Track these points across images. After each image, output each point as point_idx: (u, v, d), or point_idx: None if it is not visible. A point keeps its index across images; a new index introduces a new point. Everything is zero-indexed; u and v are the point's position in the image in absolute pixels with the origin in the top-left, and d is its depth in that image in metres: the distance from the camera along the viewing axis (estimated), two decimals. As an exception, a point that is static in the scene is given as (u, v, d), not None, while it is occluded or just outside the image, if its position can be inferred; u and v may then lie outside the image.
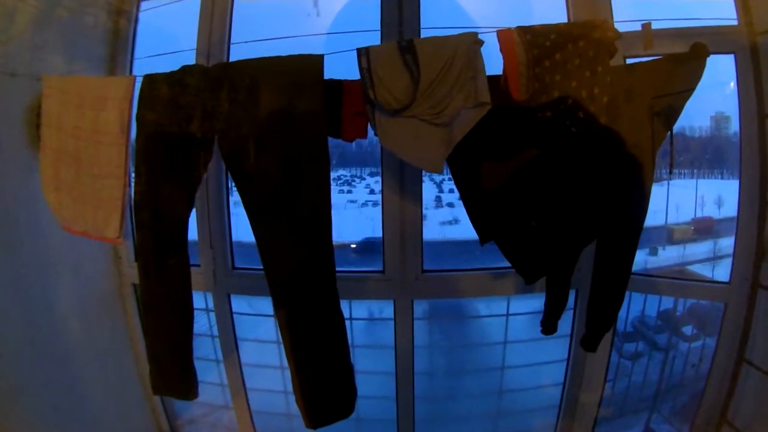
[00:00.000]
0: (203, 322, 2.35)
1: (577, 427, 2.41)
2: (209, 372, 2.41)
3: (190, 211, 1.54)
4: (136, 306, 2.29)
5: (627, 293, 1.72)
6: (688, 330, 2.77)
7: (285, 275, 1.51)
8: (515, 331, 2.25)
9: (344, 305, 1.52)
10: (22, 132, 1.69)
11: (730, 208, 2.08)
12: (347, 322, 1.57)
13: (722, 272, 2.07)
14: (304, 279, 1.50)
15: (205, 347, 2.39)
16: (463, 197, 1.64)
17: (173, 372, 1.63)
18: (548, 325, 1.90)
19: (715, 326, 2.08)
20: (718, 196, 3.29)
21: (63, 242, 1.85)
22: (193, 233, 1.86)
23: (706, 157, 3.26)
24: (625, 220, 1.59)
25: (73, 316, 1.97)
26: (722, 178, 3.32)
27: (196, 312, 1.61)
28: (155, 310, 1.59)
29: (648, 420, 2.58)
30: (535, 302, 2.06)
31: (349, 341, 1.56)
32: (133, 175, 1.56)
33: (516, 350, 2.29)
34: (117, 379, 2.27)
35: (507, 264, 1.68)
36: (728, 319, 1.96)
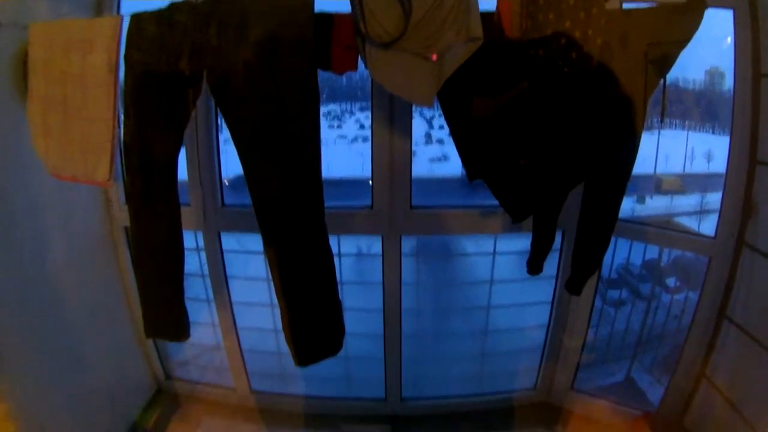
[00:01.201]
0: (194, 262, 2.37)
1: (560, 370, 2.48)
2: (200, 312, 2.44)
3: (180, 150, 1.54)
4: (127, 250, 2.29)
5: (613, 239, 1.74)
6: (671, 282, 2.83)
7: (274, 210, 1.51)
8: (501, 271, 2.28)
9: (333, 241, 1.53)
10: (9, 82, 1.65)
11: (719, 164, 2.09)
12: (336, 259, 1.58)
13: (708, 226, 2.09)
14: (292, 214, 1.51)
15: (196, 287, 2.41)
16: (452, 130, 1.64)
17: (165, 314, 1.65)
18: (534, 265, 1.94)
19: (699, 280, 2.10)
20: (708, 150, 3.31)
21: (53, 190, 1.84)
22: (182, 172, 1.85)
23: (699, 110, 3.26)
24: (613, 164, 1.60)
25: (65, 264, 1.96)
26: (713, 133, 3.33)
27: (186, 252, 1.61)
28: (146, 252, 1.60)
29: (629, 369, 2.65)
30: (522, 242, 2.08)
31: (338, 278, 1.58)
32: (122, 116, 1.54)
33: (502, 290, 2.33)
34: (110, 325, 2.29)
35: (495, 202, 1.69)
36: (712, 273, 1.97)
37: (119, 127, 1.56)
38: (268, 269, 1.55)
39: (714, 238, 1.93)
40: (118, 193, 2.19)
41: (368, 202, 2.09)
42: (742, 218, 1.83)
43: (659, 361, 2.65)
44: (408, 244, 2.17)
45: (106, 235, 2.25)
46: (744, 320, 1.89)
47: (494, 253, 2.25)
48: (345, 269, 2.17)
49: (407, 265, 2.18)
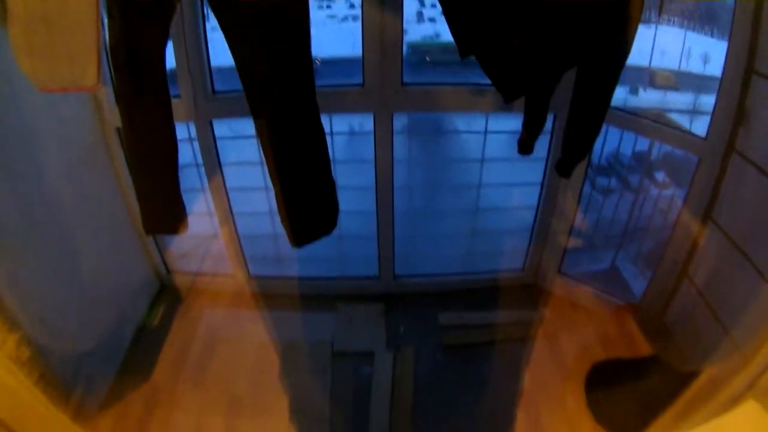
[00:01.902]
0: (187, 153, 2.38)
1: (547, 254, 2.56)
2: (196, 202, 2.48)
3: (166, 43, 1.49)
4: (121, 151, 2.29)
5: (604, 126, 1.73)
6: (660, 176, 2.87)
7: (265, 93, 1.49)
8: (492, 149, 2.30)
9: (324, 120, 1.51)
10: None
11: (715, 68, 2.05)
12: (328, 138, 1.58)
13: (699, 127, 2.08)
14: (283, 95, 1.49)
15: (190, 178, 2.43)
16: (444, 8, 1.60)
17: (163, 209, 1.65)
18: (525, 146, 1.94)
19: (687, 179, 2.11)
20: (705, 52, 3.25)
21: (42, 105, 1.82)
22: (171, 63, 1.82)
23: (699, 11, 3.18)
24: (608, 50, 1.56)
25: (61, 174, 1.96)
26: (712, 36, 3.25)
27: (179, 143, 1.62)
28: (140, 149, 1.58)
29: (614, 258, 2.73)
30: (514, 122, 2.09)
31: (330, 156, 1.57)
32: (105, 18, 1.50)
33: (492, 169, 2.36)
34: (110, 228, 2.32)
35: (487, 81, 1.67)
36: (700, 173, 1.97)
37: (103, 29, 1.54)
38: (261, 152, 1.56)
39: (705, 138, 1.92)
40: (107, 95, 2.16)
41: (359, 80, 2.08)
42: (734, 125, 1.80)
43: (644, 254, 2.71)
44: (400, 121, 2.18)
45: (99, 140, 2.24)
46: (728, 226, 1.90)
47: (486, 131, 2.26)
48: (337, 148, 2.18)
49: (399, 143, 2.19)
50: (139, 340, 2.44)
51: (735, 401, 1.46)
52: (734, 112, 1.77)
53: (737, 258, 1.82)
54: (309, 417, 2.17)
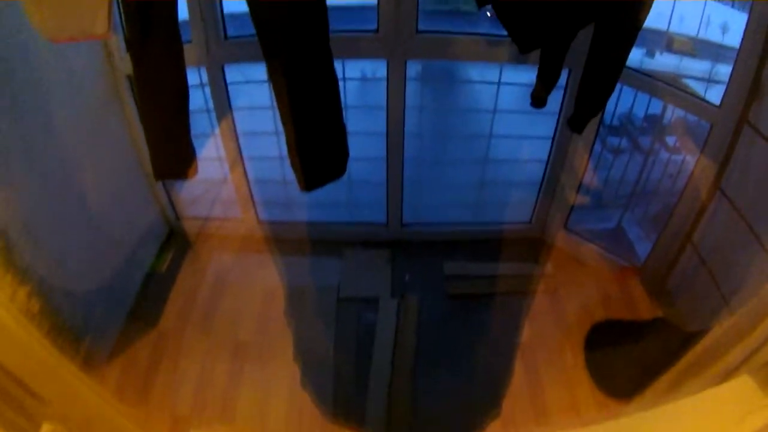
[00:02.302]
0: (198, 98, 2.38)
1: (554, 208, 2.57)
2: (207, 147, 2.49)
3: None
4: (132, 99, 2.29)
5: (618, 86, 1.73)
6: (671, 140, 2.85)
7: (279, 38, 1.48)
8: (505, 101, 2.29)
9: (338, 65, 1.51)
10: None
11: (733, 39, 2.00)
12: (340, 83, 1.57)
13: (714, 95, 2.05)
14: (297, 39, 1.47)
15: (201, 123, 2.44)
16: None
17: (173, 154, 1.64)
18: (538, 99, 1.93)
19: (698, 145, 2.10)
20: (725, 22, 3.20)
21: (52, 56, 1.81)
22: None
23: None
24: (627, 8, 1.54)
25: (72, 125, 1.96)
26: (732, 7, 3.19)
27: (190, 88, 1.61)
28: (151, 94, 1.56)
29: (620, 218, 2.74)
30: (528, 74, 2.07)
31: (342, 102, 1.56)
32: None
33: (504, 120, 2.35)
34: (120, 176, 2.34)
35: (503, 32, 1.64)
36: (712, 141, 1.95)
37: (113, -24, 1.52)
38: (273, 96, 1.55)
39: (719, 107, 1.89)
40: (118, 44, 2.15)
41: (374, 26, 2.06)
42: (748, 97, 1.77)
43: (650, 217, 2.72)
44: (413, 68, 2.17)
45: (110, 88, 2.23)
46: (735, 197, 1.89)
47: (499, 82, 2.24)
48: (349, 93, 2.18)
49: (411, 90, 2.18)
50: (148, 287, 2.48)
51: (729, 374, 1.49)
52: (750, 84, 1.75)
53: (742, 229, 1.82)
54: (313, 362, 2.22)
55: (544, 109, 1.92)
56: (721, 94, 1.89)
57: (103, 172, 2.18)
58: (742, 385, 1.22)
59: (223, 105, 2.32)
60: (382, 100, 2.17)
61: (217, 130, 2.40)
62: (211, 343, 2.29)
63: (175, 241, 2.75)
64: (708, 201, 2.03)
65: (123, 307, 2.33)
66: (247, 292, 2.48)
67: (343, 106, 1.58)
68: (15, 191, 1.67)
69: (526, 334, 2.34)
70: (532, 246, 2.63)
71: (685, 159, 2.54)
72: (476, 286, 2.42)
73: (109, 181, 2.23)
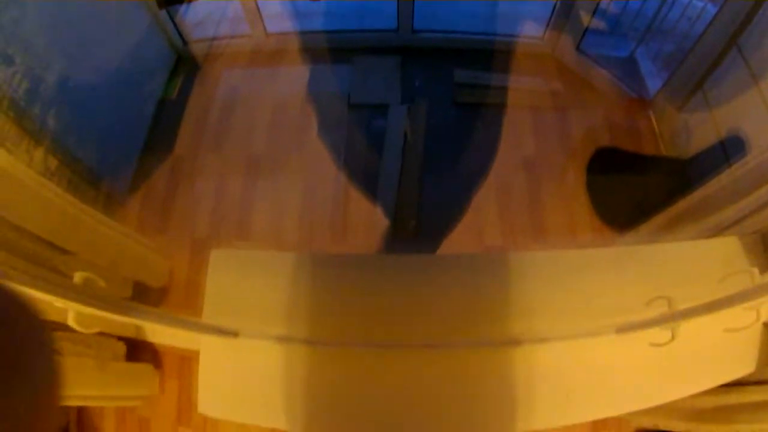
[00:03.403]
0: None
1: (569, 26, 2.50)
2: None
3: None
4: None
5: None
6: (694, -18, 2.71)
7: None
8: None
9: None
10: None
11: None
12: None
13: None
14: None
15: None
16: None
17: None
18: None
19: None
20: None
21: None
22: None
23: None
24: None
25: None
26: None
27: None
28: None
29: (634, 50, 2.67)
30: None
31: None
32: None
33: None
34: (123, 10, 2.28)
35: None
36: None
37: None
38: None
39: None
40: None
41: None
42: None
43: (663, 56, 2.65)
44: None
45: None
46: (750, 58, 1.84)
47: None
48: None
49: None
50: (160, 116, 2.49)
51: (721, 231, 1.52)
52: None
53: (753, 92, 1.81)
54: (324, 169, 2.29)
55: None
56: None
57: (104, 7, 2.12)
58: (730, 245, 1.28)
59: None
60: None
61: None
62: (225, 161, 2.34)
63: (184, 66, 2.71)
64: (723, 54, 1.98)
65: (137, 141, 2.35)
66: (258, 106, 2.49)
67: None
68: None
69: (531, 148, 2.38)
70: (543, 62, 2.59)
71: (706, 6, 2.44)
72: (485, 95, 2.43)
73: (111, 16, 2.17)
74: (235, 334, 1.13)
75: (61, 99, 1.84)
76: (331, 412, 1.11)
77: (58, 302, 0.69)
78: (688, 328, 0.97)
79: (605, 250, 1.30)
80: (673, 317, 0.95)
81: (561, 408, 1.09)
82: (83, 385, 1.56)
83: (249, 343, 1.14)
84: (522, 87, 2.48)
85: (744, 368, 1.20)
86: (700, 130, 2.15)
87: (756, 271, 1.00)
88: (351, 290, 1.19)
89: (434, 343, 1.10)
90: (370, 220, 2.20)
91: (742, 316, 1.05)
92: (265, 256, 1.33)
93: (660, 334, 1.01)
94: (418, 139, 2.30)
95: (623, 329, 1.05)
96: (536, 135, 2.42)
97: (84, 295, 0.72)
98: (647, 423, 1.84)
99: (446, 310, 1.15)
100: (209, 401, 1.14)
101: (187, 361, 2.06)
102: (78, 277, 0.78)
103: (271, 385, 1.12)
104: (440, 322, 1.14)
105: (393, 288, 1.20)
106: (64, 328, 0.76)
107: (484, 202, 2.24)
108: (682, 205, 1.84)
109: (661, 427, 1.77)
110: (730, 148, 1.95)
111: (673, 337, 0.97)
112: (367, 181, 2.23)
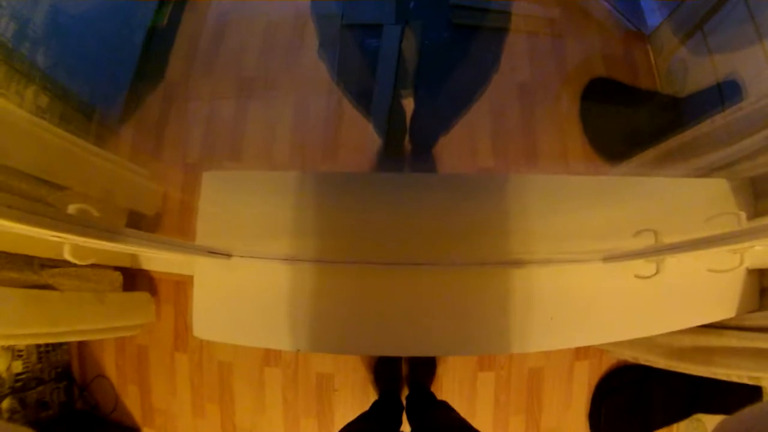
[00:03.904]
0: None
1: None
2: None
3: None
4: None
5: None
6: None
7: None
8: None
9: None
10: None
11: None
12: None
13: None
14: None
15: None
16: None
17: None
18: None
19: None
20: None
21: None
22: None
23: None
24: None
25: None
26: None
27: None
28: None
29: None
30: None
31: None
32: None
33: None
34: None
35: None
36: None
37: None
38: None
39: None
40: None
41: None
42: None
43: None
44: None
45: None
46: (755, 8, 1.79)
47: None
48: None
49: None
50: (150, 44, 2.42)
51: (711, 172, 1.49)
52: None
53: (754, 43, 1.78)
54: (316, 89, 2.26)
55: None
56: None
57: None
58: (719, 186, 1.28)
59: None
60: None
61: None
62: (217, 85, 2.31)
63: (173, -7, 2.65)
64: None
65: (127, 70, 2.30)
66: (250, 29, 2.44)
67: None
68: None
69: (526, 73, 2.36)
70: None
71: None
72: (481, 17, 2.38)
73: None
74: (227, 255, 1.12)
75: (50, 34, 1.81)
76: (324, 329, 1.12)
77: (53, 236, 0.68)
78: (672, 263, 0.97)
79: (596, 178, 1.30)
80: (658, 250, 0.95)
81: (543, 332, 1.10)
82: (84, 319, 1.57)
83: (242, 264, 1.13)
84: (520, 12, 2.43)
85: (724, 312, 1.22)
86: (697, 70, 2.14)
87: (743, 214, 0.99)
88: (344, 208, 1.19)
89: (422, 262, 1.09)
90: (362, 139, 2.19)
91: (726, 258, 1.06)
92: (256, 176, 1.32)
93: (645, 266, 1.02)
94: (411, 59, 2.27)
95: (610, 258, 1.05)
96: (532, 61, 2.39)
97: (78, 225, 0.71)
98: (628, 356, 1.87)
99: (436, 229, 1.15)
100: (203, 325, 1.15)
101: (183, 286, 2.08)
102: (72, 208, 0.77)
103: (263, 305, 1.13)
104: (430, 242, 1.14)
105: (385, 206, 1.19)
106: (61, 264, 0.74)
107: (478, 124, 2.23)
108: (674, 142, 1.83)
109: (641, 362, 1.80)
110: (726, 92, 1.94)
111: (657, 271, 0.97)
112: (360, 101, 2.22)
